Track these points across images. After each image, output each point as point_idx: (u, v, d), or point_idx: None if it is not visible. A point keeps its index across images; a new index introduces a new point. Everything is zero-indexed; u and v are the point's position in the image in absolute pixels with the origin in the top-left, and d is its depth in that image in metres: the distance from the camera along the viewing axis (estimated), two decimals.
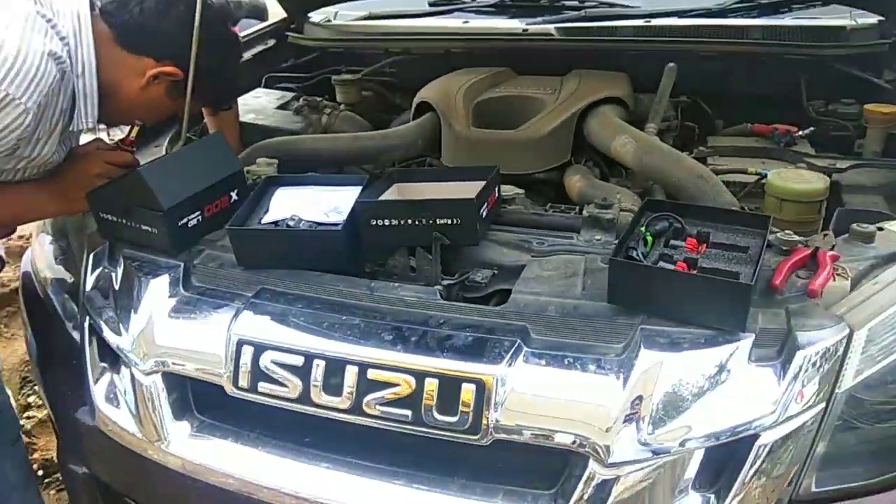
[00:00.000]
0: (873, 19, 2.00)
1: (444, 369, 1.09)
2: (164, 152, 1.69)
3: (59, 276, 1.61)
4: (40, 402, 2.53)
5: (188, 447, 1.24)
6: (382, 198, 1.37)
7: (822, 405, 1.05)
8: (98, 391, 1.34)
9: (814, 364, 1.05)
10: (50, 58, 1.24)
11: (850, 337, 1.05)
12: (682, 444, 1.04)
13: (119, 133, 1.57)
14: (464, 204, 1.25)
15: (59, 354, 1.51)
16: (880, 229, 1.24)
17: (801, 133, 1.81)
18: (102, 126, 1.58)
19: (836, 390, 1.06)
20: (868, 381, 1.06)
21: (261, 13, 2.58)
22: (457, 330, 1.13)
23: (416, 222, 1.26)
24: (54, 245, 1.68)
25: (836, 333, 1.05)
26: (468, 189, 1.31)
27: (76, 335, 1.47)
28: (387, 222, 1.28)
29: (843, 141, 1.81)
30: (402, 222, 1.27)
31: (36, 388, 2.58)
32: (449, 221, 1.26)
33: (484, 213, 1.30)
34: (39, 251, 1.68)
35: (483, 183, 1.31)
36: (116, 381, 1.32)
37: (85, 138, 1.54)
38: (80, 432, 1.40)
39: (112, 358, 1.35)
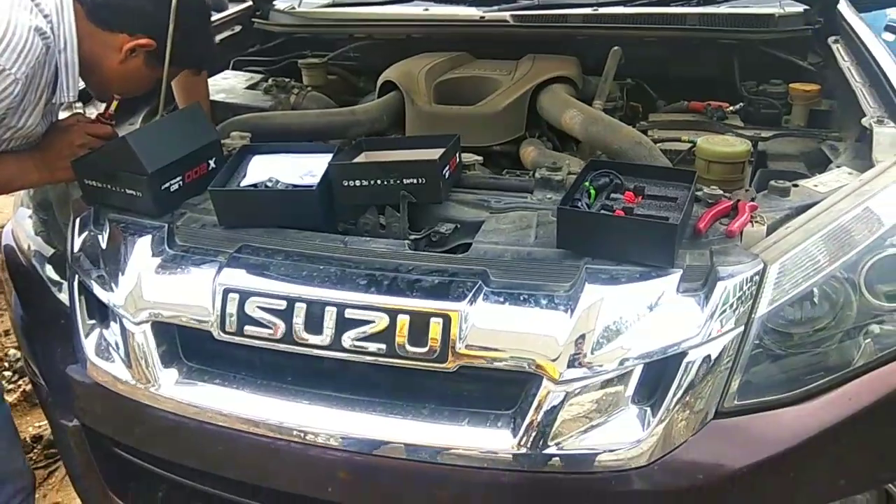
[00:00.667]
0: (799, 8, 2.19)
1: (414, 307, 1.23)
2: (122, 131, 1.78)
3: (41, 246, 1.69)
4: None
5: (178, 390, 1.35)
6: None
7: (741, 329, 1.21)
8: (89, 345, 1.43)
9: (732, 293, 1.21)
10: (36, 32, 1.34)
11: (764, 271, 1.22)
12: (620, 364, 1.20)
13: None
14: (428, 164, 1.39)
15: (46, 318, 1.60)
16: (795, 185, 1.42)
17: (731, 109, 1.99)
18: (79, 104, 1.68)
19: (753, 316, 1.22)
20: (781, 306, 1.24)
21: (222, 5, 2.68)
22: (424, 275, 1.27)
23: (385, 182, 1.39)
24: (34, 218, 1.75)
25: (751, 268, 1.22)
26: (431, 154, 1.45)
27: (63, 298, 1.55)
28: (358, 183, 1.41)
29: (773, 117, 2.00)
30: (372, 182, 1.40)
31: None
32: (415, 181, 1.40)
33: (447, 175, 1.44)
34: (18, 224, 1.75)
35: (443, 148, 1.45)
36: (106, 336, 1.42)
37: (63, 115, 1.63)
38: (70, 387, 1.49)
39: (101, 314, 1.45)
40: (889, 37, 3.57)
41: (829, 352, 1.27)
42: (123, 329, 1.38)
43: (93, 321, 1.46)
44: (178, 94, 1.90)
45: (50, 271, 1.64)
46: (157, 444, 1.43)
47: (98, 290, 1.41)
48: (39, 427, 2.39)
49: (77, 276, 1.46)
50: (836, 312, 1.26)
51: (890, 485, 1.33)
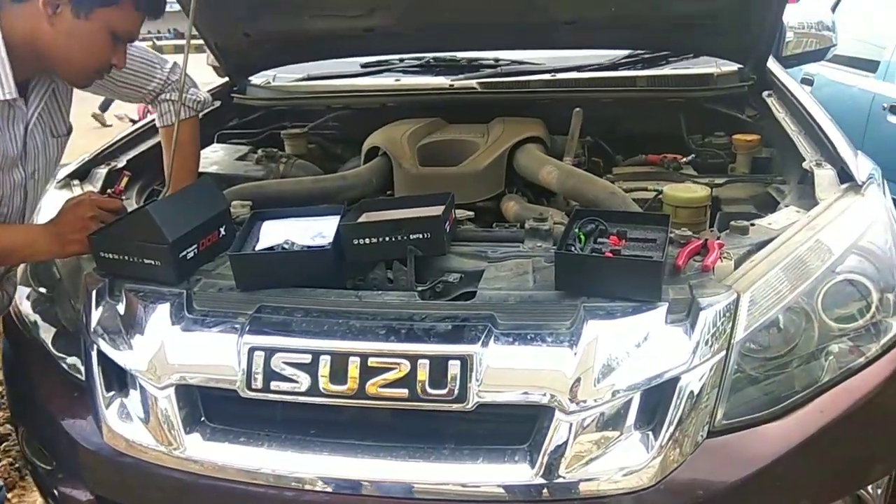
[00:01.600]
0: (734, 67, 2.52)
1: (432, 352, 1.35)
2: (133, 203, 1.89)
3: (45, 320, 1.76)
4: None
5: (202, 451, 1.41)
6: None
7: (724, 353, 1.38)
8: (110, 415, 1.49)
9: (713, 322, 1.38)
10: None
11: (737, 300, 1.40)
12: (621, 392, 1.34)
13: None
14: (433, 220, 1.56)
15: (54, 394, 1.64)
16: (752, 224, 1.64)
17: (685, 160, 2.28)
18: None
19: (732, 341, 1.39)
20: (754, 332, 1.41)
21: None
22: (438, 322, 1.40)
23: (393, 238, 1.54)
24: (33, 293, 1.83)
25: (727, 298, 1.40)
26: (433, 211, 1.61)
27: (72, 364, 1.64)
28: (367, 241, 1.56)
29: (720, 166, 2.28)
30: (381, 239, 1.56)
31: None
32: (420, 236, 1.56)
33: (447, 228, 1.60)
34: (18, 299, 1.83)
35: (443, 206, 1.61)
36: (127, 404, 1.48)
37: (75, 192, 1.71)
38: (82, 455, 1.54)
39: (120, 383, 1.51)
40: (806, 88, 4.02)
41: (798, 371, 1.45)
42: (145, 395, 1.44)
43: (112, 392, 1.51)
44: (167, 157, 1.98)
45: (56, 342, 1.71)
46: None
47: (119, 359, 1.48)
48: None
49: (96, 348, 1.52)
50: (800, 335, 1.44)
51: (862, 490, 1.50)
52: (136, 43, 1.69)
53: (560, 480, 1.34)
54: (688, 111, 2.46)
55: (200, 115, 1.98)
